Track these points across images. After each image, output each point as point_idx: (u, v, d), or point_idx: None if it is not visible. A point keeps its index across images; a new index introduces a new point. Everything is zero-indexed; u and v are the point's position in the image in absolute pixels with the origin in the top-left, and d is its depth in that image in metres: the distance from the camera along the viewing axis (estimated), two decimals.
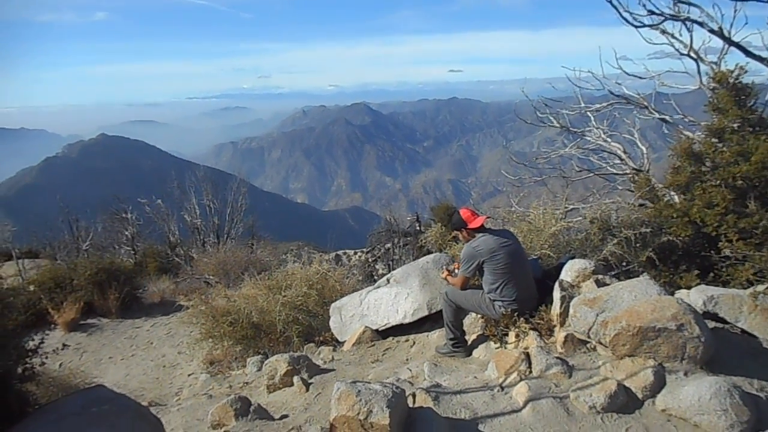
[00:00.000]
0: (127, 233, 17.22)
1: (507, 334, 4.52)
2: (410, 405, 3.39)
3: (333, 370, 5.18)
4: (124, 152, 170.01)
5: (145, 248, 17.08)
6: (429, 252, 8.90)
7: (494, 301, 4.50)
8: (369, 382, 3.23)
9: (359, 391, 3.05)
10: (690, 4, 5.47)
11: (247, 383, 5.82)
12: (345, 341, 6.11)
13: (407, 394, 3.48)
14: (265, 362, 5.49)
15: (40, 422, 2.80)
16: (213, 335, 7.08)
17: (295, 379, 4.76)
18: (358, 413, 2.95)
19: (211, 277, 12.46)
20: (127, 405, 3.13)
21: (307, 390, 4.60)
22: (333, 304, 6.53)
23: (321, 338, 6.66)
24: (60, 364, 8.38)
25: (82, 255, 15.47)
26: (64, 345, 6.44)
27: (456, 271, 4.86)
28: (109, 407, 2.97)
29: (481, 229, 4.59)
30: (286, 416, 4.09)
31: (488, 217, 4.85)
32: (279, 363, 5.02)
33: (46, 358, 3.82)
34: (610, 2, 5.33)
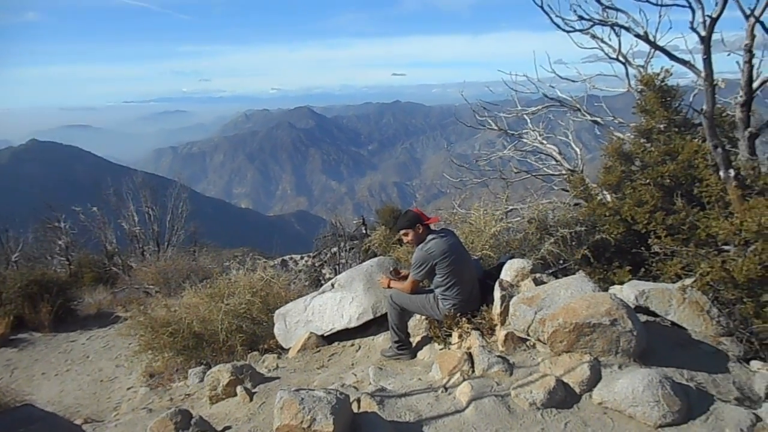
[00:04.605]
0: (60, 243, 16.41)
1: (450, 335, 4.57)
2: (355, 410, 3.36)
3: (278, 378, 5.09)
4: (57, 158, 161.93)
5: (80, 258, 16.34)
6: (375, 255, 8.92)
7: (440, 300, 4.53)
8: (312, 389, 3.18)
9: (302, 398, 3.00)
10: (617, 9, 5.68)
11: (188, 395, 5.64)
12: (290, 348, 6.02)
13: (352, 399, 3.45)
14: (207, 373, 5.33)
15: None
16: (153, 347, 6.82)
17: (239, 388, 4.64)
18: (302, 422, 2.90)
19: (150, 286, 12.08)
20: (57, 424, 2.99)
21: (251, 399, 4.50)
22: (277, 311, 6.43)
23: (265, 346, 6.53)
24: None
25: (11, 266, 14.75)
26: None
27: (399, 274, 4.86)
28: (38, 427, 2.83)
29: (428, 230, 4.60)
30: (229, 428, 3.98)
31: (439, 219, 4.88)
32: (221, 373, 4.89)
33: None
34: (542, 8, 5.47)
